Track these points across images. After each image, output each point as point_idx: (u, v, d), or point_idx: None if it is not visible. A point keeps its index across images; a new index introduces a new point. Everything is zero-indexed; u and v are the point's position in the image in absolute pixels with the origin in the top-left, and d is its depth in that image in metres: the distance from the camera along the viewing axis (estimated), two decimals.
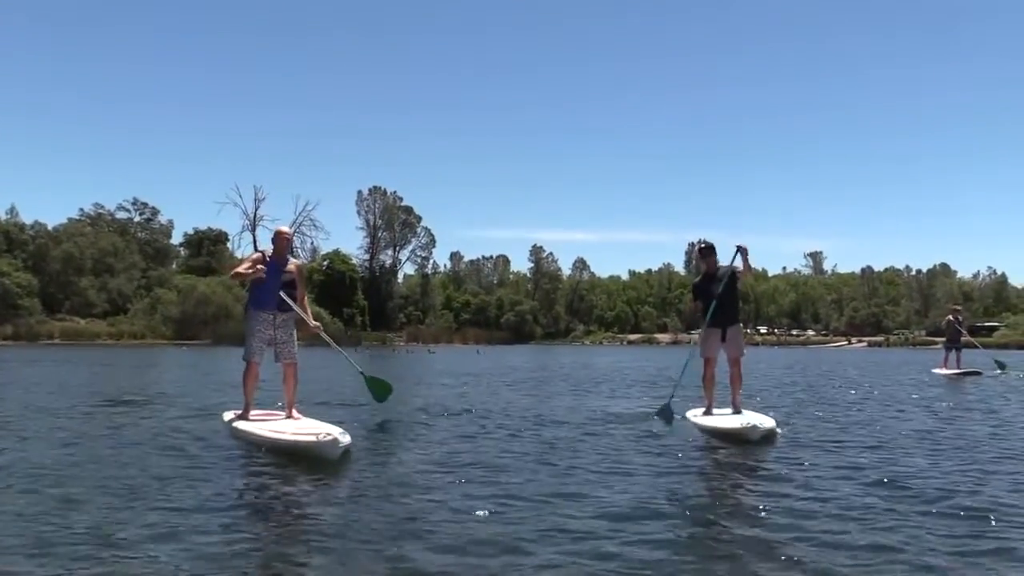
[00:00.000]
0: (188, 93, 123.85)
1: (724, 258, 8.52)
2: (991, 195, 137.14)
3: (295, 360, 7.70)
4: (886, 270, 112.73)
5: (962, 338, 20.15)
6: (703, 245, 8.68)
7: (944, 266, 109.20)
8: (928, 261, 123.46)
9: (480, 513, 4.32)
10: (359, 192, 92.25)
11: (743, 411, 8.22)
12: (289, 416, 7.57)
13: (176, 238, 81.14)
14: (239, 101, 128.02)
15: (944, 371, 19.30)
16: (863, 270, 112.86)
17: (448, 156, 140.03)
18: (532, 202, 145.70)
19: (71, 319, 61.19)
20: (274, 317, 7.62)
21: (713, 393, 8.48)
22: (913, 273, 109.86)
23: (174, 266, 77.78)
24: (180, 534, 3.94)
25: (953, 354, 19.60)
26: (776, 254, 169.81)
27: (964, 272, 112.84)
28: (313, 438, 6.15)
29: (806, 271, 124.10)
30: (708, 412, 8.35)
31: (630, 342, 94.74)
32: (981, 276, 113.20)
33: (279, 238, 7.80)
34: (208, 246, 79.65)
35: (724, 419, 7.90)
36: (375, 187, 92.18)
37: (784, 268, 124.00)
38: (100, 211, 74.59)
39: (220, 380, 16.63)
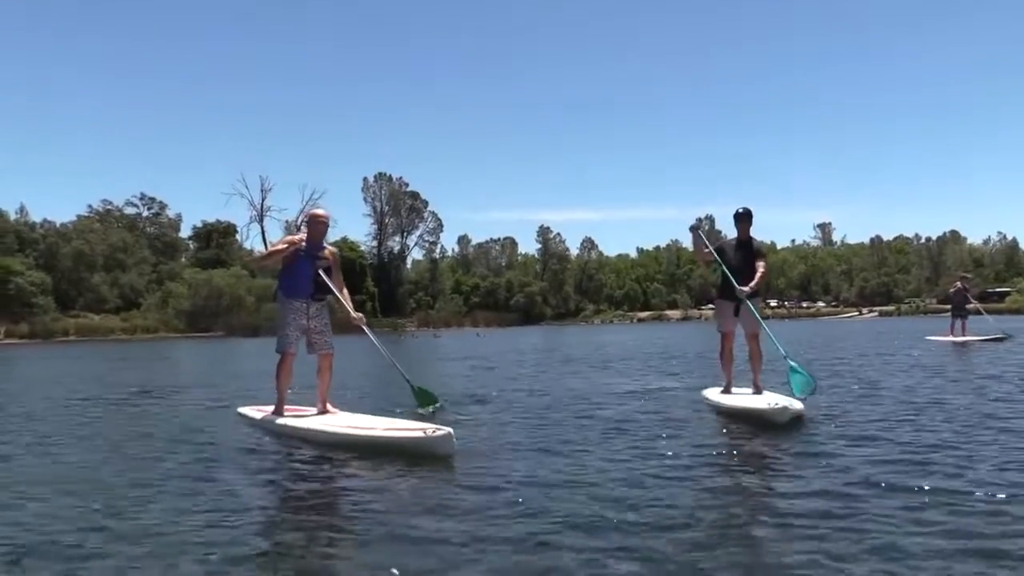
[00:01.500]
0: (191, 85, 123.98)
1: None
2: (1000, 159, 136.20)
3: (331, 350, 7.18)
4: (895, 239, 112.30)
5: (968, 305, 20.18)
6: (742, 209, 7.87)
7: (954, 233, 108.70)
8: (938, 228, 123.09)
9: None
10: (365, 179, 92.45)
11: (764, 391, 7.58)
12: (323, 411, 7.07)
13: (185, 231, 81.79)
14: (242, 90, 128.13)
15: (950, 339, 19.44)
16: (872, 239, 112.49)
17: (452, 139, 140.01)
18: (538, 183, 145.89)
19: (85, 315, 61.82)
20: (308, 306, 7.09)
21: (732, 370, 7.95)
22: (923, 241, 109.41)
23: (184, 259, 78.32)
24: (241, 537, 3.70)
25: (959, 322, 19.73)
26: (785, 226, 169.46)
27: (974, 238, 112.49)
28: (421, 433, 5.56)
29: (815, 242, 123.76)
30: (727, 391, 7.83)
31: (640, 320, 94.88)
32: (992, 242, 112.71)
33: (315, 222, 7.23)
34: (217, 238, 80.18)
35: (747, 399, 7.33)
36: (380, 173, 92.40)
37: (793, 240, 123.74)
38: (108, 207, 75.18)
39: (236, 370, 16.87)
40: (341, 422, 6.54)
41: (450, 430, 5.48)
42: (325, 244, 7.23)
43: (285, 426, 6.75)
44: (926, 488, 4.14)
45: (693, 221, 7.87)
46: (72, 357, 26.89)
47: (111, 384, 13.33)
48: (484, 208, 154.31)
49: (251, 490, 4.73)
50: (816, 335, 29.40)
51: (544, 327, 76.75)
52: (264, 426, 7.02)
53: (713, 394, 7.92)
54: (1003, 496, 3.94)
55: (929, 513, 3.70)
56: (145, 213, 78.19)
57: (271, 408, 7.28)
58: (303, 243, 7.05)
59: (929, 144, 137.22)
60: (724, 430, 6.52)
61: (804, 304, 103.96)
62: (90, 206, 74.55)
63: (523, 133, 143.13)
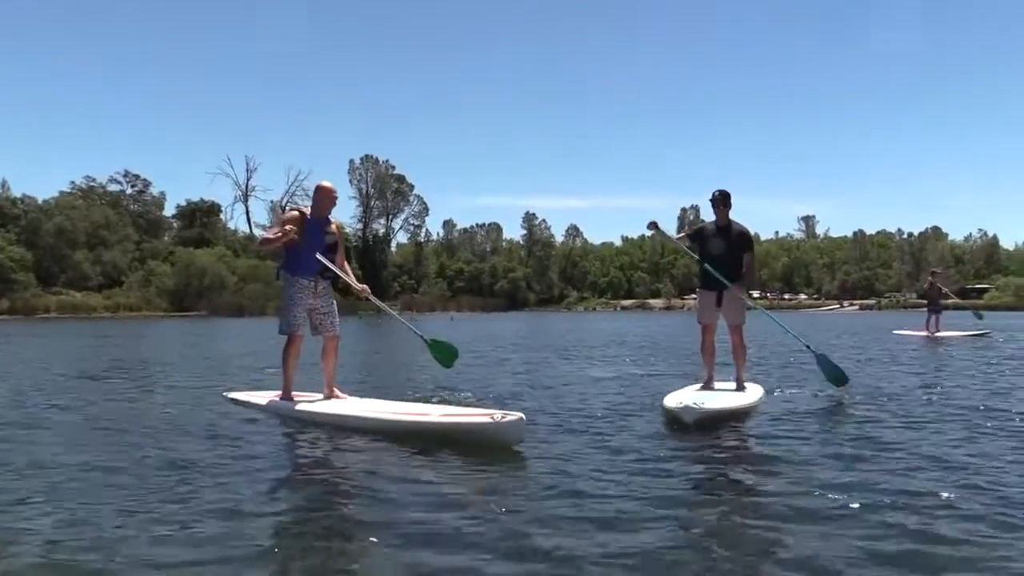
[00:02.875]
0: (175, 63, 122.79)
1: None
2: (983, 158, 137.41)
3: (337, 333, 6.85)
4: (878, 233, 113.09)
5: (942, 300, 20.62)
6: (717, 192, 7.43)
7: (936, 229, 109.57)
8: (920, 224, 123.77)
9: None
10: (351, 161, 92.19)
11: (746, 386, 7.35)
12: (331, 395, 6.72)
13: (169, 210, 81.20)
14: (227, 71, 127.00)
15: (924, 334, 19.85)
16: (855, 234, 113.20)
17: (439, 123, 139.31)
18: (524, 169, 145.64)
19: (67, 292, 61.42)
20: (315, 284, 6.72)
21: (713, 364, 7.48)
22: (905, 236, 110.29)
23: (167, 238, 77.83)
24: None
25: (934, 317, 20.08)
26: (769, 218, 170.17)
27: (956, 235, 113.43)
28: (488, 419, 5.12)
29: (799, 235, 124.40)
30: (707, 386, 7.32)
31: (623, 308, 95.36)
32: (972, 239, 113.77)
33: (323, 194, 6.77)
34: (201, 217, 79.68)
35: (675, 396, 6.72)
36: (367, 156, 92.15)
37: (777, 232, 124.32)
38: (91, 184, 74.48)
39: (215, 352, 16.92)
40: (385, 409, 6.08)
41: (521, 415, 5.08)
42: (330, 217, 6.85)
43: (312, 413, 6.24)
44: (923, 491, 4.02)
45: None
46: (65, 335, 26.75)
47: (110, 363, 13.36)
48: (470, 193, 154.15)
49: (299, 487, 4.39)
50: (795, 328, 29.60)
51: (526, 313, 77.00)
52: (275, 412, 6.51)
53: (684, 394, 6.92)
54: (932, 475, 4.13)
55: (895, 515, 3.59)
56: (128, 190, 77.52)
57: (272, 394, 6.98)
58: (309, 218, 6.62)
59: (914, 140, 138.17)
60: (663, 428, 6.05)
61: (786, 296, 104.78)
62: (73, 182, 73.92)
63: (510, 119, 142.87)
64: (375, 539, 3.33)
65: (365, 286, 6.97)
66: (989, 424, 6.01)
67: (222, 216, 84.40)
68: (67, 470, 4.58)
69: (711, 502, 3.95)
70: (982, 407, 6.89)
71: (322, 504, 4.01)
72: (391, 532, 3.42)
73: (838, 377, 7.85)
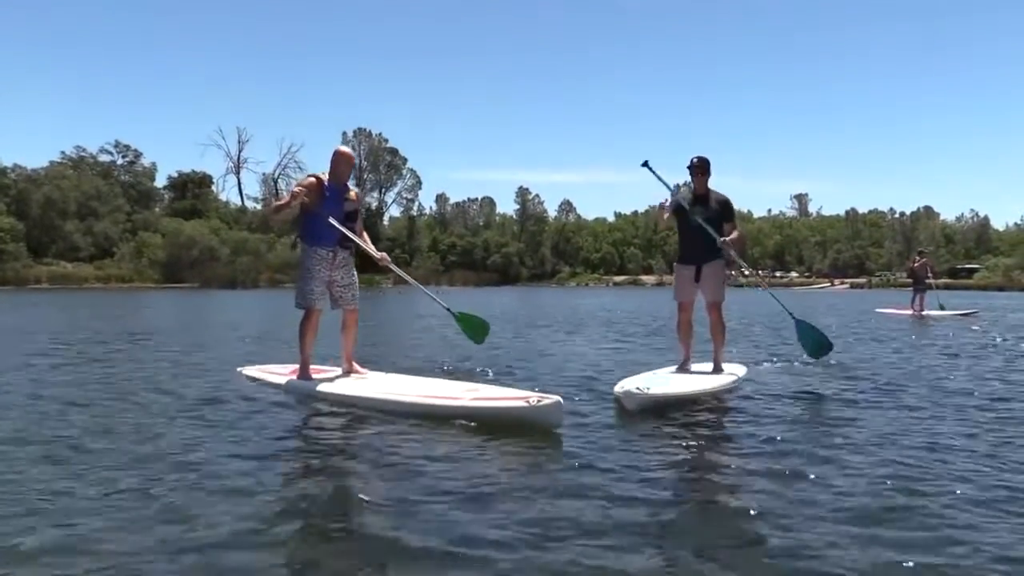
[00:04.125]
0: (167, 33, 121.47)
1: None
2: (976, 138, 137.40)
3: (357, 305, 6.59)
4: (870, 212, 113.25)
5: (927, 280, 20.96)
6: (695, 159, 6.94)
7: (928, 209, 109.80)
8: (913, 204, 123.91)
9: None
10: (344, 133, 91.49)
11: (724, 367, 6.97)
12: (351, 371, 6.51)
13: (160, 181, 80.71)
14: (221, 41, 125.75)
15: (909, 312, 20.31)
16: (847, 212, 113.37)
17: (433, 97, 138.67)
18: (518, 143, 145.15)
19: (58, 263, 61.17)
20: (334, 255, 6.44)
21: (690, 344, 7.11)
22: (897, 216, 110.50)
23: (158, 209, 77.40)
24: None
25: (919, 296, 20.54)
26: (761, 196, 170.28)
27: (947, 215, 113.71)
28: (523, 403, 4.83)
29: (791, 213, 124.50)
30: (684, 367, 6.97)
31: (615, 284, 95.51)
32: (964, 219, 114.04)
33: (341, 160, 6.48)
34: (193, 189, 79.27)
35: (694, 380, 6.48)
36: (360, 129, 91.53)
37: (769, 210, 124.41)
38: (82, 154, 73.86)
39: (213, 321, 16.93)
40: (410, 389, 5.74)
41: (559, 398, 4.82)
42: (349, 184, 6.59)
43: (330, 393, 5.93)
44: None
45: (672, 187, 7.01)
46: (62, 305, 26.74)
47: (114, 335, 13.40)
48: (463, 167, 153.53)
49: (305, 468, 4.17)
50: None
51: (519, 288, 77.09)
52: (293, 392, 6.20)
53: (659, 376, 6.62)
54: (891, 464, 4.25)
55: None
56: (119, 161, 76.91)
57: (286, 369, 6.75)
58: (327, 185, 6.32)
59: (908, 120, 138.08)
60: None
61: (777, 274, 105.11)
62: (63, 152, 73.33)
63: (503, 94, 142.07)
64: (386, 528, 3.18)
65: (384, 254, 6.73)
66: (972, 406, 6.05)
67: (214, 188, 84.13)
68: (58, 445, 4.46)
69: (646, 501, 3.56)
70: (965, 389, 6.95)
71: (337, 491, 3.77)
72: (405, 523, 3.20)
73: (820, 343, 7.70)
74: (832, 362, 8.54)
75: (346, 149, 6.67)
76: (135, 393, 6.39)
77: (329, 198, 6.32)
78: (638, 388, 5.62)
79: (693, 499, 3.69)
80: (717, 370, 6.90)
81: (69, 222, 63.95)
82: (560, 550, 2.91)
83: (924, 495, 3.57)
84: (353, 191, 6.59)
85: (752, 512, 3.35)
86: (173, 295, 41.22)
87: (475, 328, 6.79)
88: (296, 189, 6.19)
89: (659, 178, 6.94)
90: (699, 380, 6.50)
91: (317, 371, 6.54)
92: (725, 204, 6.95)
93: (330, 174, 6.43)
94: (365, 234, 6.69)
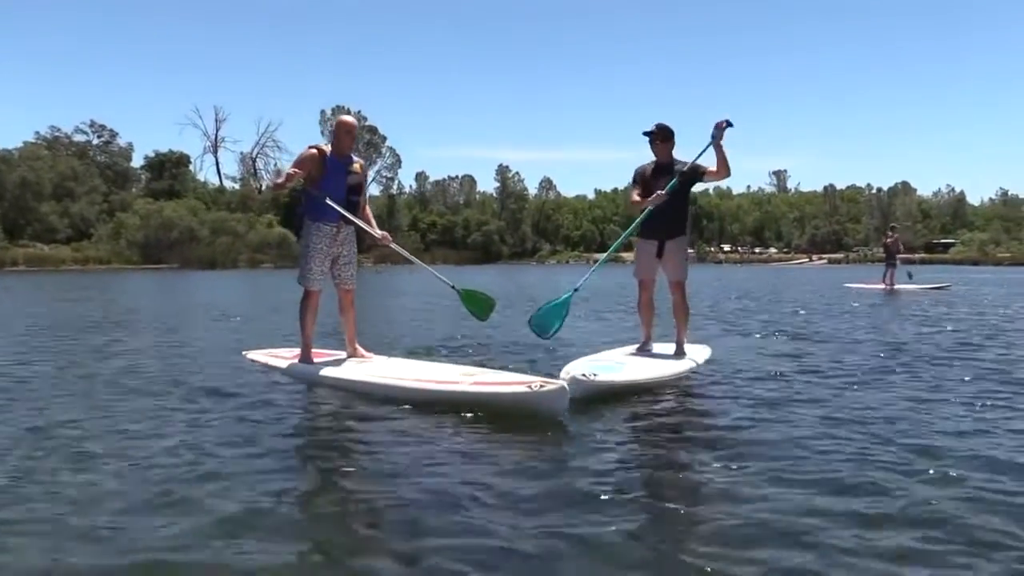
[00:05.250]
0: (141, 10, 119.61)
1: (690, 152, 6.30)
2: (953, 114, 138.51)
3: (354, 285, 6.33)
4: (848, 188, 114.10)
5: (898, 255, 21.49)
6: (655, 127, 6.41)
7: (905, 184, 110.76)
8: (890, 179, 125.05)
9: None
10: (322, 112, 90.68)
11: (687, 349, 6.55)
12: (354, 354, 6.28)
13: (137, 161, 79.90)
14: (196, 19, 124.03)
15: (880, 287, 20.84)
16: (826, 188, 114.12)
17: (412, 74, 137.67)
18: (498, 121, 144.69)
19: (34, 245, 60.56)
20: (337, 231, 6.14)
21: (651, 323, 6.73)
22: (875, 191, 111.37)
23: (135, 190, 76.66)
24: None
25: (890, 271, 21.11)
26: (741, 172, 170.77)
27: (924, 190, 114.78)
28: (526, 387, 4.56)
29: (770, 189, 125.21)
30: (644, 348, 6.63)
31: (595, 261, 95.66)
32: (940, 194, 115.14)
33: (341, 130, 6.18)
34: (170, 169, 78.51)
35: (652, 364, 6.04)
36: (338, 106, 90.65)
37: (748, 187, 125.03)
38: (57, 134, 72.95)
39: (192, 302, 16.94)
40: (408, 373, 5.50)
41: (563, 383, 4.60)
42: (353, 156, 6.25)
43: (330, 378, 5.72)
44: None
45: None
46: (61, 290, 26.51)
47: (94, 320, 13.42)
48: (442, 145, 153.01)
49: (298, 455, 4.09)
50: (758, 282, 30.10)
51: (499, 266, 77.25)
52: (295, 375, 6.05)
53: (617, 356, 6.33)
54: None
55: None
56: (95, 141, 76.06)
57: (289, 353, 6.56)
58: (329, 157, 6.03)
59: (885, 95, 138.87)
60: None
61: (757, 250, 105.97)
62: (37, 132, 72.39)
63: (483, 71, 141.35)
64: (381, 522, 3.13)
65: (386, 233, 6.39)
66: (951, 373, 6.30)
67: (191, 168, 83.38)
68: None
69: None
70: (934, 357, 7.22)
71: (323, 480, 3.68)
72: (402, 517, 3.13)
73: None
74: (795, 338, 8.80)
75: (348, 118, 6.33)
76: (130, 378, 6.33)
77: (330, 171, 6.02)
78: (584, 375, 5.20)
79: (639, 499, 3.36)
80: (679, 353, 6.45)
81: (45, 203, 63.24)
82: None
83: (884, 472, 3.62)
84: (357, 163, 6.27)
85: (702, 504, 3.28)
86: (154, 277, 41.03)
87: (479, 305, 6.50)
88: (291, 170, 5.89)
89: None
90: (655, 365, 6.01)
91: (319, 354, 6.32)
92: (693, 167, 6.31)
93: (333, 146, 6.12)
94: (368, 210, 6.41)
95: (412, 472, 3.68)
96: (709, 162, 6.27)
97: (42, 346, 8.61)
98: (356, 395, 5.37)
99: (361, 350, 6.36)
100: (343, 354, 6.35)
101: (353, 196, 6.13)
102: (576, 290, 6.41)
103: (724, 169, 6.16)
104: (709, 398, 5.51)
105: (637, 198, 6.47)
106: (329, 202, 5.91)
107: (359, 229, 6.26)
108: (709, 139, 6.08)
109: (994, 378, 6.17)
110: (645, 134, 6.41)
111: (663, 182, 6.25)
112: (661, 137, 6.38)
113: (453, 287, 6.42)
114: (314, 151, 6.00)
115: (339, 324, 6.71)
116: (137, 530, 2.94)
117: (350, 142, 6.17)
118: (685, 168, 6.28)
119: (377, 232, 6.27)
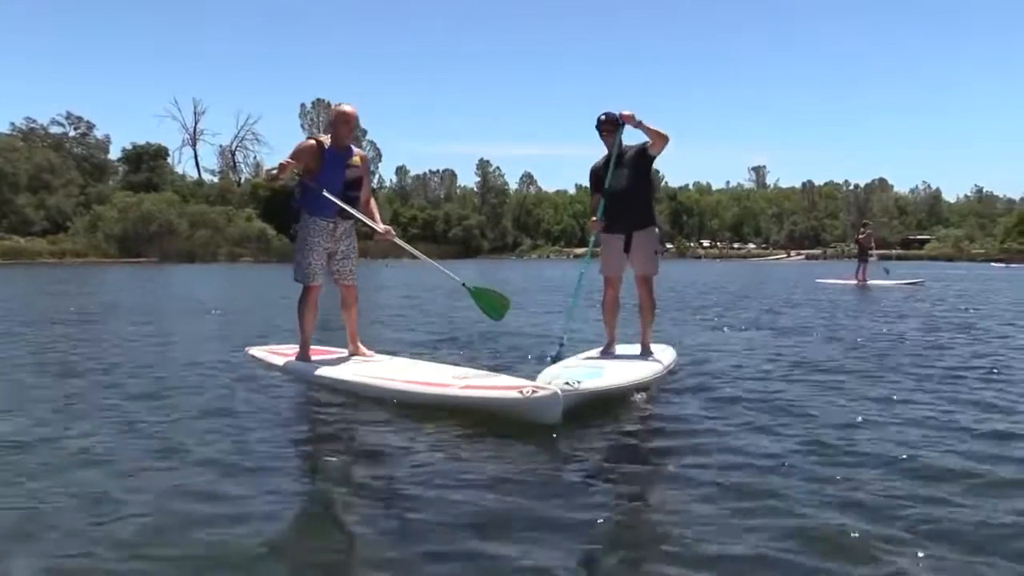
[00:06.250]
0: (119, 0, 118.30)
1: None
2: (929, 112, 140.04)
3: (355, 281, 6.13)
4: (826, 184, 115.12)
5: (871, 251, 21.92)
6: (602, 115, 6.06)
7: (882, 181, 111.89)
8: (868, 176, 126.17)
9: None
10: (302, 105, 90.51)
11: (654, 349, 6.24)
12: (355, 352, 6.10)
13: (114, 153, 79.11)
14: (174, 10, 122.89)
15: (853, 282, 21.21)
16: (804, 184, 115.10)
17: (392, 68, 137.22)
18: (479, 116, 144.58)
19: (10, 238, 59.89)
20: (335, 226, 5.92)
21: (615, 324, 6.37)
22: (852, 188, 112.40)
23: (112, 183, 75.91)
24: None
25: (863, 266, 21.53)
26: (720, 168, 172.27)
27: (901, 187, 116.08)
28: (517, 393, 4.37)
29: (749, 185, 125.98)
30: (608, 350, 6.27)
31: (576, 256, 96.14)
32: (917, 190, 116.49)
33: (339, 120, 5.86)
34: (148, 161, 77.83)
35: (617, 369, 5.57)
36: (319, 99, 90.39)
37: (728, 182, 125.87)
38: (32, 126, 72.05)
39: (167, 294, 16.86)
40: (399, 374, 5.33)
41: (557, 389, 4.38)
42: (353, 148, 5.99)
43: (324, 377, 5.59)
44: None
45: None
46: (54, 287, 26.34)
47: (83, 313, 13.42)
48: (423, 139, 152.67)
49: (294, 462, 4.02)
50: (736, 278, 30.33)
51: (480, 261, 77.31)
52: (291, 373, 5.93)
53: (580, 361, 5.98)
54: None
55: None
56: (72, 133, 75.16)
57: (288, 350, 6.39)
58: (327, 149, 5.80)
59: (863, 93, 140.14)
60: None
61: (735, 246, 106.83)
62: (12, 124, 71.47)
63: (464, 66, 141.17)
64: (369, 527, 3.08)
65: (389, 227, 6.11)
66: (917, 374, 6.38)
67: (170, 160, 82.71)
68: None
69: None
70: (902, 359, 7.33)
71: (312, 480, 3.73)
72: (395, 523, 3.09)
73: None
74: (768, 333, 9.02)
75: (347, 107, 5.90)
76: (117, 372, 6.29)
77: (328, 164, 5.76)
78: (568, 383, 4.74)
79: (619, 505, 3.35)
80: (645, 353, 6.14)
81: (21, 196, 62.53)
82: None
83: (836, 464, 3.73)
84: (358, 155, 6.00)
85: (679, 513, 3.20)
86: (132, 270, 40.66)
87: (493, 304, 6.08)
88: (285, 161, 5.61)
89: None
90: (633, 368, 5.64)
91: (318, 352, 6.16)
92: (641, 153, 6.03)
93: (331, 138, 5.87)
94: (373, 203, 6.16)
95: (398, 476, 3.63)
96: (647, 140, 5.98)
97: (15, 339, 8.60)
98: (349, 395, 5.26)
99: (363, 349, 6.18)
100: (344, 352, 6.19)
101: (352, 191, 5.88)
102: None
103: (659, 137, 5.85)
104: (680, 401, 5.33)
105: (594, 219, 6.23)
106: (327, 195, 5.67)
107: (360, 222, 6.04)
108: (631, 130, 5.92)
109: (962, 373, 6.33)
110: (597, 127, 6.10)
111: (616, 173, 6.03)
112: (610, 128, 6.02)
113: (464, 284, 6.07)
114: (312, 142, 5.80)
115: (342, 319, 6.43)
116: (120, 531, 2.95)
117: (348, 132, 5.88)
118: (631, 152, 6.04)
119: (380, 227, 6.02)
